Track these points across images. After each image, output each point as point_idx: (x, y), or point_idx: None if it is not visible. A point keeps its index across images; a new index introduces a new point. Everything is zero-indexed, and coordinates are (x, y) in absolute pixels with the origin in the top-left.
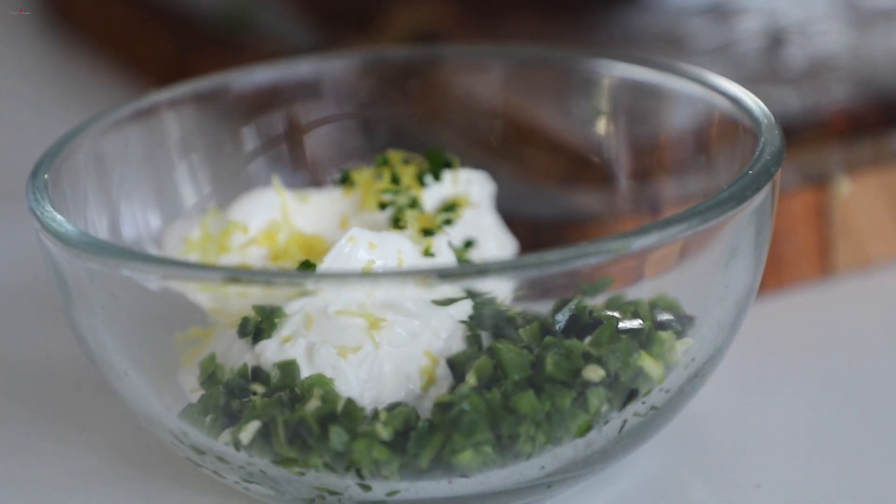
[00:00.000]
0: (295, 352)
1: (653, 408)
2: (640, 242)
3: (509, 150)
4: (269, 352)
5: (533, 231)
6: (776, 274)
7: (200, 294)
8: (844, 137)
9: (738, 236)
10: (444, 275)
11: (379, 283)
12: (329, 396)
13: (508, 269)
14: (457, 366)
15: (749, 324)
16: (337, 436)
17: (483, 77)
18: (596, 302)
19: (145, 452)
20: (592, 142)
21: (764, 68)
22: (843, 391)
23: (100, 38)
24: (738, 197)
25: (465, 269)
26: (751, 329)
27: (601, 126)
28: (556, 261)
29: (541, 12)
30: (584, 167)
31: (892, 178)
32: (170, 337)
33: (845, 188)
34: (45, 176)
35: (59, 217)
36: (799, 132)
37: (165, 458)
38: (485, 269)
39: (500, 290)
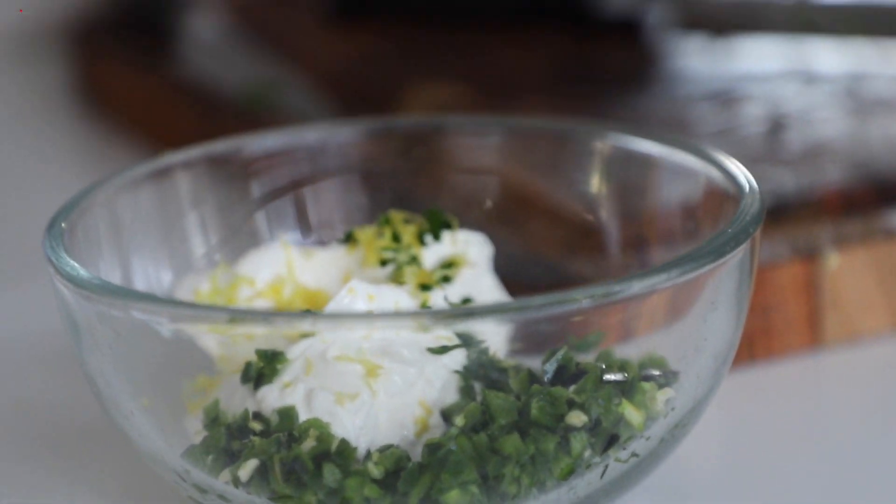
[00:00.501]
0: (294, 398)
1: (634, 455)
2: (622, 289)
3: (508, 217)
4: (271, 398)
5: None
6: (767, 343)
7: (208, 339)
8: (836, 215)
9: (717, 290)
10: (435, 315)
11: (372, 322)
12: (324, 437)
13: (496, 312)
14: (450, 417)
15: (740, 390)
16: (330, 473)
17: (484, 147)
18: (586, 357)
19: (150, 496)
20: (590, 211)
21: (764, 150)
22: (830, 457)
23: (127, 114)
24: (717, 252)
25: (455, 310)
26: (742, 395)
27: (599, 195)
28: (542, 304)
29: (553, 97)
30: (582, 237)
31: (881, 254)
32: (176, 381)
33: (834, 262)
34: (63, 224)
35: (71, 262)
36: (792, 209)
37: (169, 501)
38: (473, 312)
39: (493, 341)
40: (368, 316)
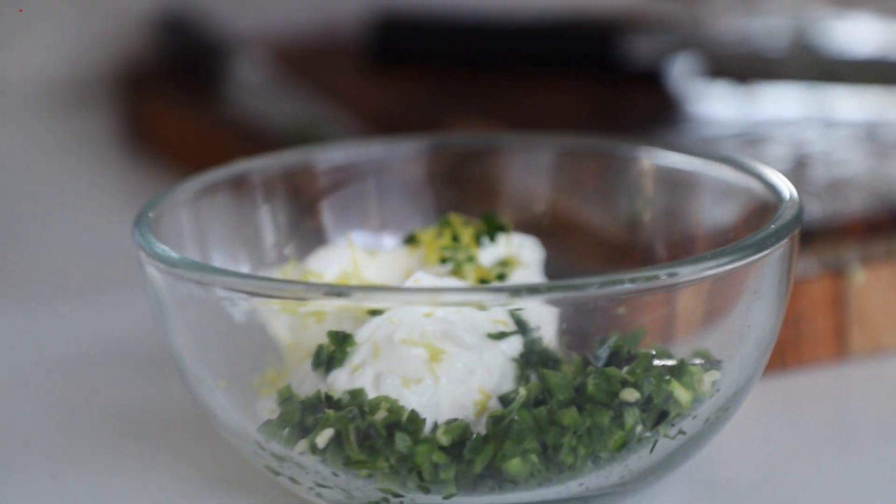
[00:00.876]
0: (364, 380)
1: (681, 432)
2: (676, 273)
3: (554, 232)
4: (341, 381)
5: None
6: (797, 353)
7: (279, 324)
8: (860, 238)
9: (761, 281)
10: (496, 290)
11: (438, 295)
12: (395, 408)
13: (558, 289)
14: (508, 402)
15: (772, 395)
16: (401, 440)
17: (533, 163)
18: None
19: (231, 479)
20: (634, 227)
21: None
22: (853, 461)
23: (175, 154)
24: (761, 244)
25: (518, 286)
26: (773, 400)
27: (642, 211)
28: (596, 283)
29: (585, 132)
30: (626, 250)
31: None
32: (248, 372)
33: (860, 278)
34: (150, 214)
35: (161, 245)
36: (819, 234)
37: (249, 482)
38: (538, 288)
39: (545, 332)
40: (436, 289)
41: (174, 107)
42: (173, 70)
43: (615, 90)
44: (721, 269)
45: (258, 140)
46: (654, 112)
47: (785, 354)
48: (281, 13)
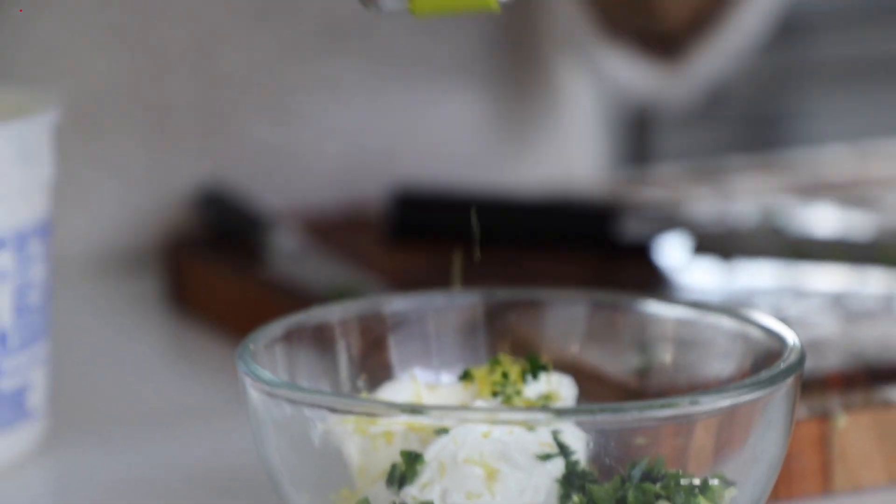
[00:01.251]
0: (432, 495)
1: None
2: (700, 401)
3: (576, 376)
4: (411, 498)
5: None
6: (787, 487)
7: (351, 446)
8: (840, 389)
9: (773, 412)
10: (545, 411)
11: (496, 414)
12: None
13: (596, 412)
14: None
15: None
16: None
17: (563, 315)
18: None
19: None
20: (647, 373)
21: None
22: None
23: (219, 316)
24: (772, 380)
25: (559, 408)
26: None
27: (658, 358)
28: (634, 408)
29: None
30: (640, 396)
31: (880, 418)
32: (324, 491)
33: (842, 422)
34: (251, 346)
35: (260, 369)
36: (805, 384)
37: None
38: (578, 409)
39: (583, 455)
40: (495, 409)
41: (216, 272)
42: (214, 239)
43: (610, 263)
44: (741, 400)
45: (296, 301)
46: (646, 282)
47: (777, 488)
48: (309, 190)
